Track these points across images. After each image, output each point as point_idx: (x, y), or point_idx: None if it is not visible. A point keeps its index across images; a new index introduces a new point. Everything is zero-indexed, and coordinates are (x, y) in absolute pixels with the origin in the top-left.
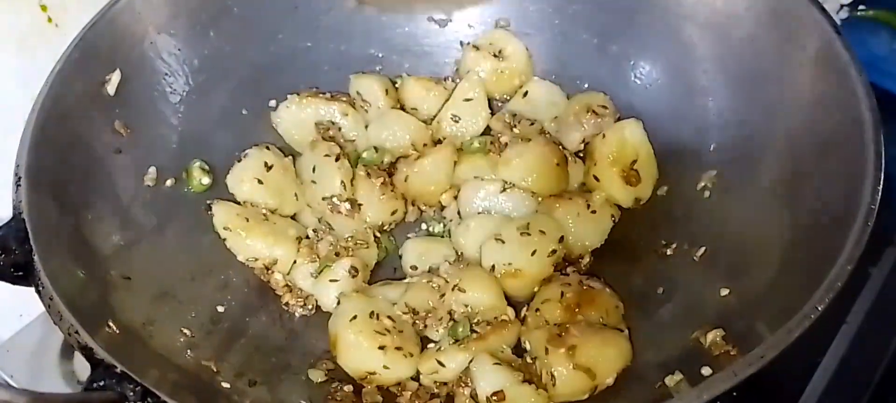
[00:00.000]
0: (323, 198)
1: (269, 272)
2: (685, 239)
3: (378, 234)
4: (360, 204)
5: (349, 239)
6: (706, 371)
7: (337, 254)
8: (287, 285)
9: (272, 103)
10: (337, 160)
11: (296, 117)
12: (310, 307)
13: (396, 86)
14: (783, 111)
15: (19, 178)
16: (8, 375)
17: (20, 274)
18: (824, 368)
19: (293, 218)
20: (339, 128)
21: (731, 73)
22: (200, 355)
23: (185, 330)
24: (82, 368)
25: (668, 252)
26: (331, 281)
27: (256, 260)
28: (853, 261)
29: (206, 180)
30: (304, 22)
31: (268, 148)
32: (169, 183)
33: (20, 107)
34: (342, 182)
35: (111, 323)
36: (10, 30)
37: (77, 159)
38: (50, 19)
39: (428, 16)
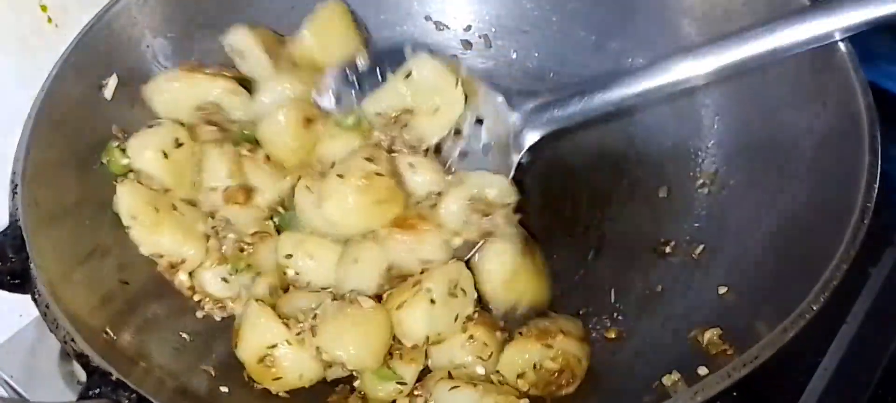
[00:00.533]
0: (211, 189)
1: (174, 270)
2: (684, 238)
3: (276, 218)
4: (252, 189)
5: (253, 235)
6: (703, 370)
7: (242, 250)
8: (192, 286)
9: None
10: (221, 146)
11: (175, 94)
12: (225, 310)
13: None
14: (780, 108)
15: (16, 186)
16: (7, 375)
17: (17, 281)
18: (824, 368)
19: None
20: (222, 108)
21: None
22: (198, 359)
23: (183, 335)
24: (82, 369)
25: (668, 250)
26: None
27: (161, 256)
28: (849, 260)
29: (125, 161)
30: (301, 22)
31: (183, 126)
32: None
33: (20, 107)
34: (229, 169)
35: (108, 330)
36: (10, 30)
37: (74, 165)
38: (50, 19)
39: (425, 15)
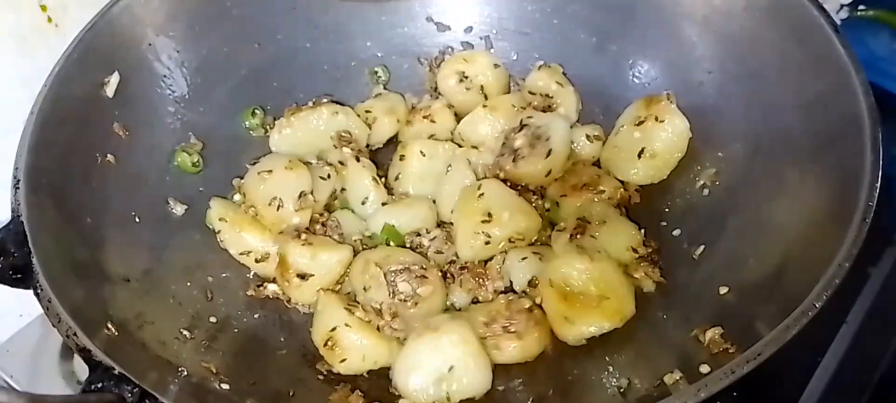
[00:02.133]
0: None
1: (261, 288)
2: (685, 238)
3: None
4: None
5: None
6: (704, 368)
7: None
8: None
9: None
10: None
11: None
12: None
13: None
14: (782, 109)
15: (18, 181)
16: (8, 375)
17: (19, 276)
18: (824, 368)
19: None
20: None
21: (729, 72)
22: (200, 356)
23: (185, 332)
24: (82, 368)
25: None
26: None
27: (249, 253)
28: (851, 259)
29: (196, 159)
30: (302, 22)
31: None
32: (167, 184)
33: (20, 106)
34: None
35: (110, 325)
36: (10, 30)
37: (76, 161)
38: (50, 19)
39: (427, 16)
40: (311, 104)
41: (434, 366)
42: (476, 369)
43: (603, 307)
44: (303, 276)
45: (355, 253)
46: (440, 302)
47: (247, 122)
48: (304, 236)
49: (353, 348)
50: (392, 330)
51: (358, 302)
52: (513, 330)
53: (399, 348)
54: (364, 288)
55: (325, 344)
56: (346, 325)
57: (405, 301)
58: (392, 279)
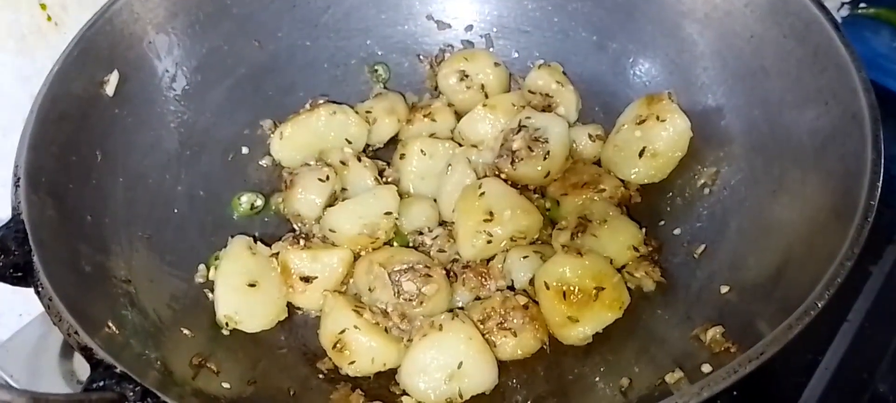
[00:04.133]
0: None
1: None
2: (686, 238)
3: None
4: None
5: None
6: (706, 368)
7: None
8: None
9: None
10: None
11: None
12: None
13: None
14: (782, 107)
15: (18, 179)
16: (8, 375)
17: (19, 274)
18: (825, 367)
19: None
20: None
21: (730, 70)
22: (201, 355)
23: (186, 331)
24: (82, 367)
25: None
26: None
27: None
28: (853, 258)
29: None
30: (302, 20)
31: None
32: (167, 183)
33: (20, 106)
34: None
35: (111, 324)
36: (10, 29)
37: (76, 160)
38: (50, 19)
39: (427, 14)
40: (308, 106)
41: (443, 364)
42: (483, 364)
43: (601, 298)
44: (306, 279)
45: (355, 255)
46: (445, 300)
47: (235, 213)
48: (302, 241)
49: (362, 350)
50: (400, 331)
51: (365, 304)
52: (508, 326)
53: (406, 349)
54: (369, 289)
55: (334, 347)
56: (355, 327)
57: (410, 300)
58: (397, 279)
